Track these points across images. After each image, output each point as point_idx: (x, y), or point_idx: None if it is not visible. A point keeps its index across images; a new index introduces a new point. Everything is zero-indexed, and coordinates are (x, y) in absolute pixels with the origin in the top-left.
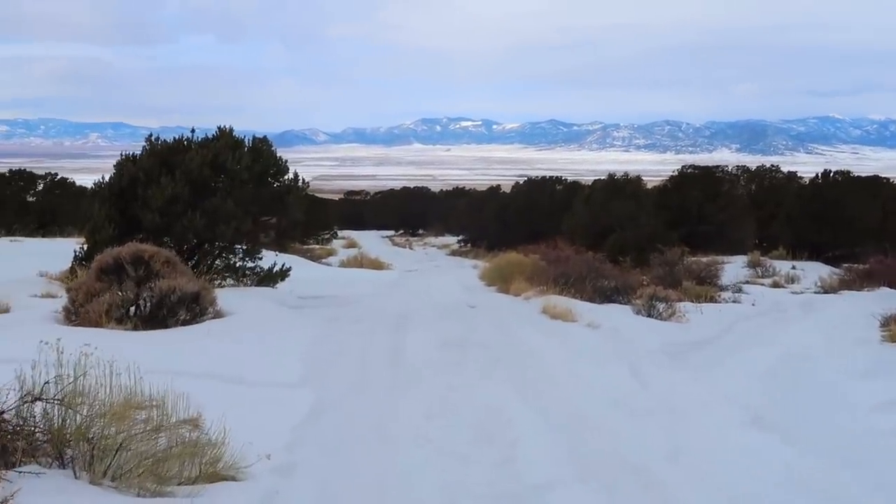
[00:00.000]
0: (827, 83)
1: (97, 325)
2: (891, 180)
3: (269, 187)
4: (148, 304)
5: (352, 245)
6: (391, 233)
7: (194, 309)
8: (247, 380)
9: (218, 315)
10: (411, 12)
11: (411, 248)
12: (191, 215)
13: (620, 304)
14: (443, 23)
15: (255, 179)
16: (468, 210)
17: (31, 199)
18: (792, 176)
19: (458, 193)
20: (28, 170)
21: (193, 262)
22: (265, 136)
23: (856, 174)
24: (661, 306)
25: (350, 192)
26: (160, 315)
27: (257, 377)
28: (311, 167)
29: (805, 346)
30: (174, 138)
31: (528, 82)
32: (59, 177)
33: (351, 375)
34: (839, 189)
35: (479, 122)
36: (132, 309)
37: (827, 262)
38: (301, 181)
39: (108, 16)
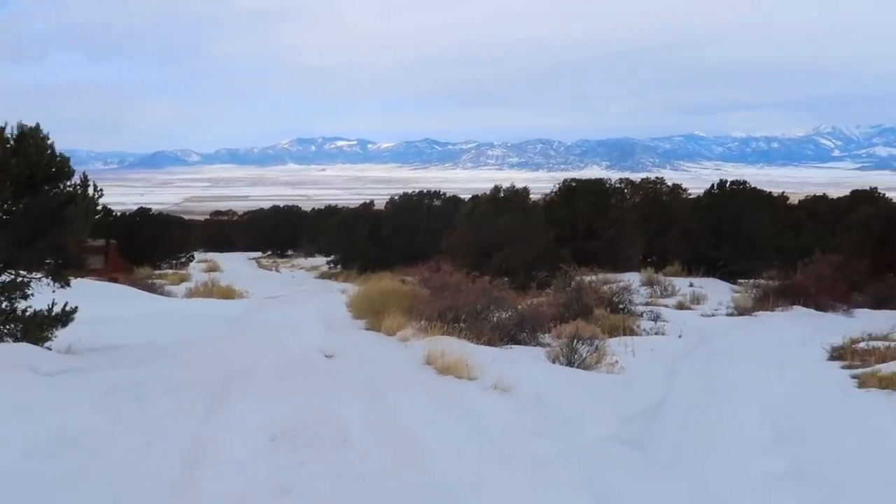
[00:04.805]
0: (692, 102)
1: None
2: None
3: (42, 196)
4: None
5: (213, 269)
6: (259, 254)
7: None
8: None
9: None
10: (293, 30)
11: (278, 271)
12: None
13: (526, 344)
14: (322, 41)
15: (18, 185)
16: (338, 229)
17: None
18: (677, 188)
19: (330, 212)
20: None
21: None
22: (38, 125)
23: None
24: (584, 349)
25: (216, 213)
26: None
27: None
28: (183, 188)
29: (785, 403)
30: None
31: (403, 101)
32: None
33: None
34: (736, 201)
35: (355, 142)
36: None
37: (722, 277)
38: (92, 187)
39: None
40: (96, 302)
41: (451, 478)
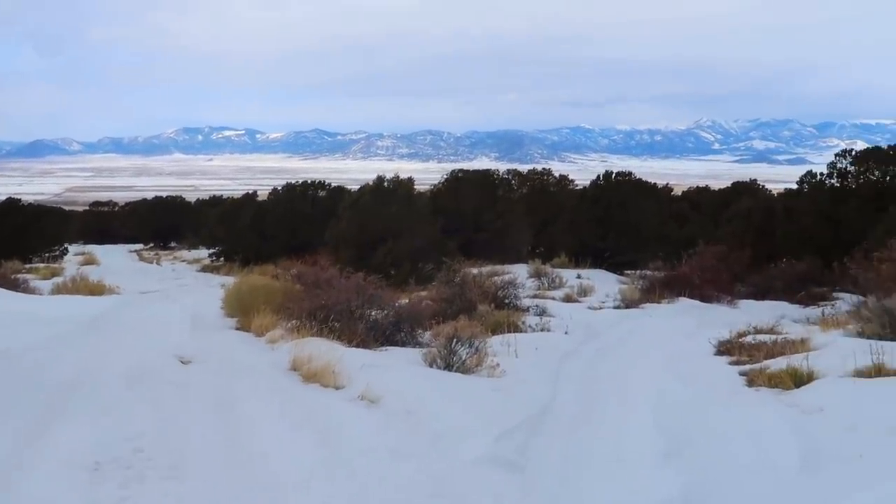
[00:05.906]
0: (579, 95)
1: None
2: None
3: None
4: None
5: (90, 262)
6: (141, 247)
7: None
8: None
9: None
10: (181, 17)
11: (159, 264)
12: None
13: (404, 345)
14: (210, 28)
15: None
16: (221, 219)
17: None
18: (564, 179)
19: (215, 202)
20: None
21: None
22: None
23: (637, 176)
24: (463, 351)
25: (96, 203)
26: None
27: None
28: (65, 178)
29: (674, 406)
30: None
31: (293, 91)
32: None
33: None
34: (622, 192)
35: (243, 132)
36: None
37: (609, 269)
38: None
39: None
40: None
41: None
